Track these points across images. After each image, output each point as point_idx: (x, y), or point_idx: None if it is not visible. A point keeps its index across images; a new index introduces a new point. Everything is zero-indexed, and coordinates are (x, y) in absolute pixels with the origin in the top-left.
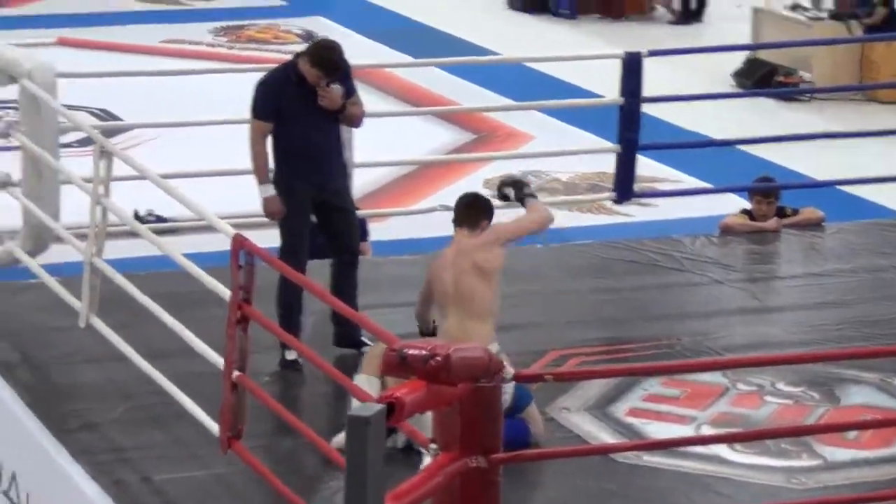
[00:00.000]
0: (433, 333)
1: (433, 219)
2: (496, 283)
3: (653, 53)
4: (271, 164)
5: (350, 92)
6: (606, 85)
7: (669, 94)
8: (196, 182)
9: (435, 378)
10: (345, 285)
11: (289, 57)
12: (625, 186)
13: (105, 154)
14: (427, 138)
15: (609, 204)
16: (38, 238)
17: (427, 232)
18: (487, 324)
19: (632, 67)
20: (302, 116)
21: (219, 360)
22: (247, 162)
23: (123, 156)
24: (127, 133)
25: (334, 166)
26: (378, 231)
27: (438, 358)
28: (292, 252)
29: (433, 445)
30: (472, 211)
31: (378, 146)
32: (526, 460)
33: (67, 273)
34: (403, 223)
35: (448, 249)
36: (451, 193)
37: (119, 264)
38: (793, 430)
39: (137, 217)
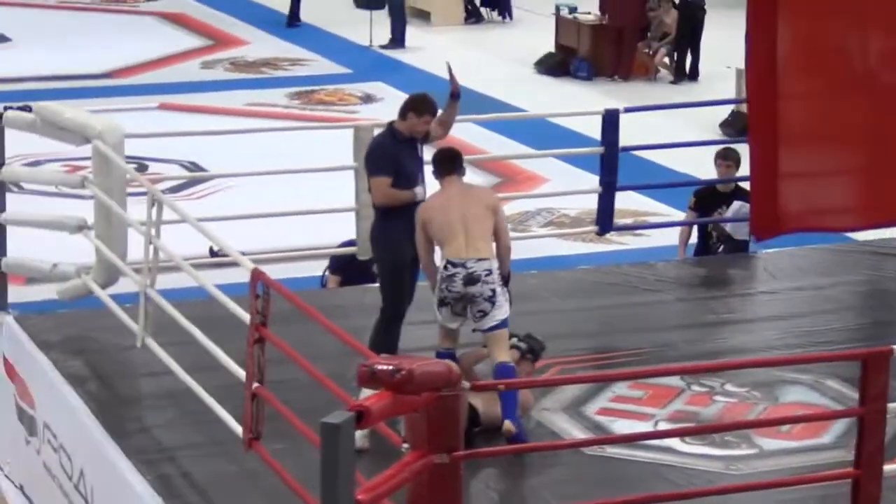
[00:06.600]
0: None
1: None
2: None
3: (628, 110)
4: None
5: None
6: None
7: (657, 143)
8: (269, 221)
9: (401, 389)
10: None
11: (354, 116)
12: (605, 221)
13: (156, 202)
14: None
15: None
16: (109, 273)
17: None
18: (489, 243)
19: (611, 121)
20: (414, 173)
21: (242, 374)
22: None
23: (170, 203)
24: (209, 182)
25: None
26: None
27: (404, 372)
28: (398, 316)
29: (405, 444)
30: (458, 159)
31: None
32: (483, 457)
33: (132, 302)
34: None
35: (444, 193)
36: None
37: (172, 293)
38: (730, 426)
39: (212, 252)
